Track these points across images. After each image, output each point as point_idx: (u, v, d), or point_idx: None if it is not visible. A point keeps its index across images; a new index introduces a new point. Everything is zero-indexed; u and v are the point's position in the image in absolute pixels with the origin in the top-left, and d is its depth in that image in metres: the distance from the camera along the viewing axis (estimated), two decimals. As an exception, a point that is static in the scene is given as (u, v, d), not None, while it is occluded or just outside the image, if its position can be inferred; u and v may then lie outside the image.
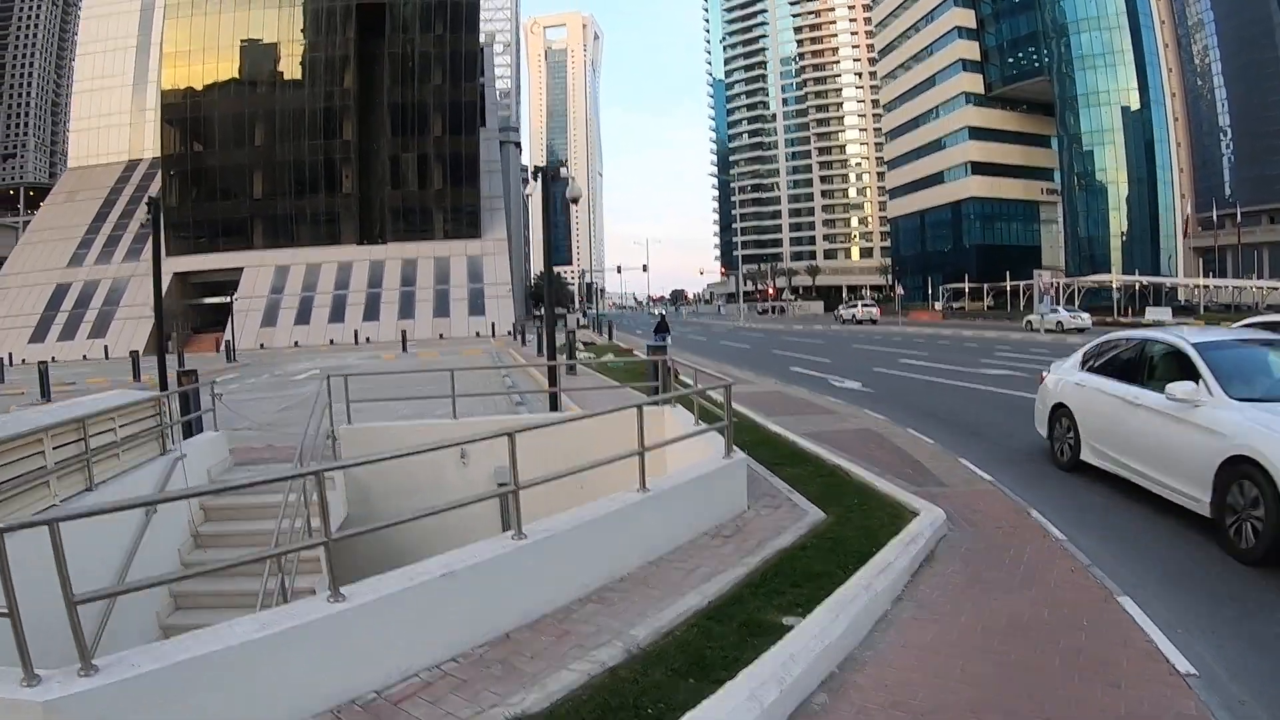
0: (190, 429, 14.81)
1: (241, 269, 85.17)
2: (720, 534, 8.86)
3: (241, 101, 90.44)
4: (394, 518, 7.02)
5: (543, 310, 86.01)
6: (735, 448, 10.09)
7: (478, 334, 74.53)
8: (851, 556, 7.83)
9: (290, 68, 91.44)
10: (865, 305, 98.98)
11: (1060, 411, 12.64)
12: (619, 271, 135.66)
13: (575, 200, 23.35)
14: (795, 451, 13.47)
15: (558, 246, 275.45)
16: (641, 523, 8.06)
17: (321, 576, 11.45)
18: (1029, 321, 67.64)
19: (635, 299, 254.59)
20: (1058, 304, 62.67)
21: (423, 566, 6.29)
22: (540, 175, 19.33)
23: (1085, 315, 65.13)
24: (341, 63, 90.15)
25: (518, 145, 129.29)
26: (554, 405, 18.03)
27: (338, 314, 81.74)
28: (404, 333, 62.47)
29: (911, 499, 9.96)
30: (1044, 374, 13.71)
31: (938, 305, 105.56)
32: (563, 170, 24.64)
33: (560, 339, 35.85)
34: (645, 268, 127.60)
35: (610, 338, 55.90)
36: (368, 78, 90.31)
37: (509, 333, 69.27)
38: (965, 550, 8.56)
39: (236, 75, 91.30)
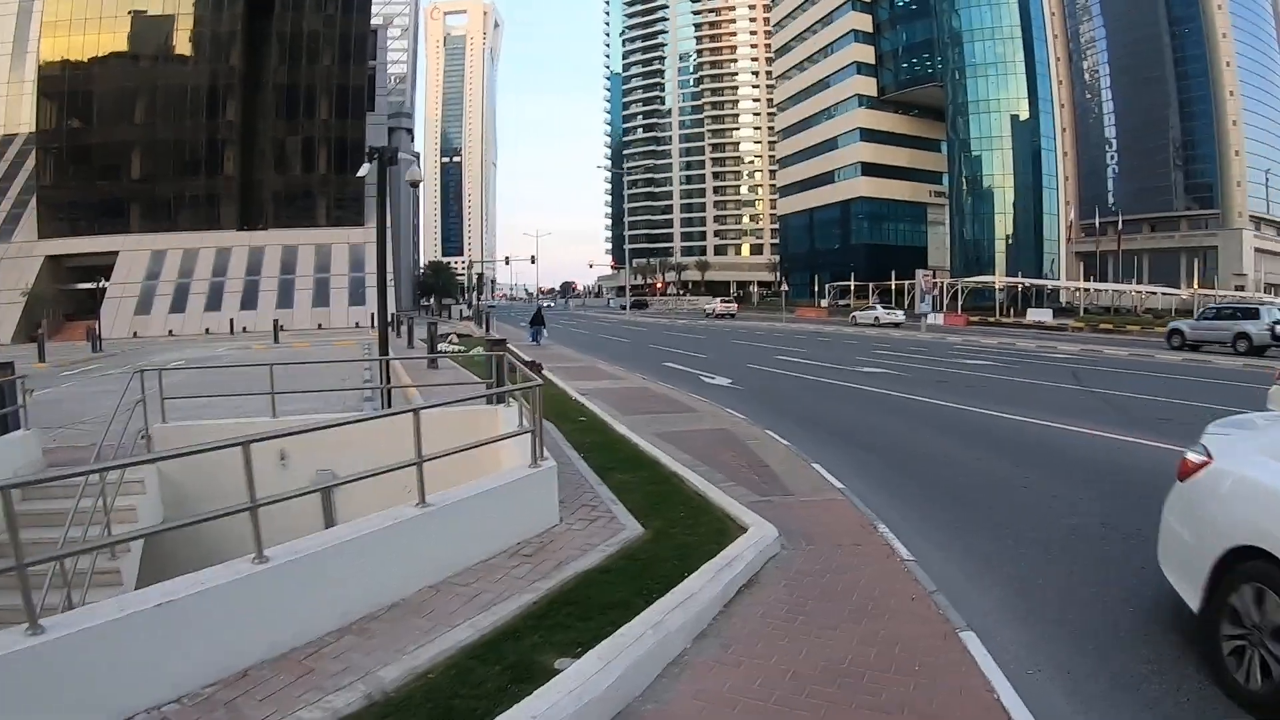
0: (6, 426, 13.86)
1: (117, 253, 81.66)
2: (520, 552, 8.01)
3: (123, 77, 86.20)
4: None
5: (431, 300, 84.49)
6: (548, 454, 9.26)
7: (357, 324, 72.56)
8: (658, 582, 7.03)
9: (176, 43, 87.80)
10: (724, 301, 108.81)
11: (1253, 566, 5.34)
12: (506, 262, 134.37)
13: (415, 184, 22.44)
14: (635, 455, 12.76)
15: (449, 236, 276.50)
16: (420, 541, 7.20)
17: (120, 589, 10.65)
18: (853, 317, 75.48)
19: (526, 291, 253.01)
20: (926, 303, 64.88)
21: (139, 595, 5.55)
22: (378, 157, 18.41)
23: (900, 313, 75.21)
24: (228, 40, 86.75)
25: (410, 132, 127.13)
26: (386, 402, 17.22)
27: (214, 302, 78.59)
28: (276, 323, 59.96)
29: (744, 512, 9.16)
30: (1190, 458, 6.46)
31: (824, 302, 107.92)
32: (402, 154, 23.71)
33: (424, 332, 35.10)
34: (533, 259, 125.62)
35: (488, 330, 55.12)
36: (255, 57, 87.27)
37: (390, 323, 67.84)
38: (795, 573, 7.69)
39: (119, 49, 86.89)
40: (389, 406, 16.50)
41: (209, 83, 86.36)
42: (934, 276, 74.81)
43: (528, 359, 29.30)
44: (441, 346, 34.51)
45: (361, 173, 20.67)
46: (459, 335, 44.44)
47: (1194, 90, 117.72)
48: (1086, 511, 9.80)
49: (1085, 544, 8.54)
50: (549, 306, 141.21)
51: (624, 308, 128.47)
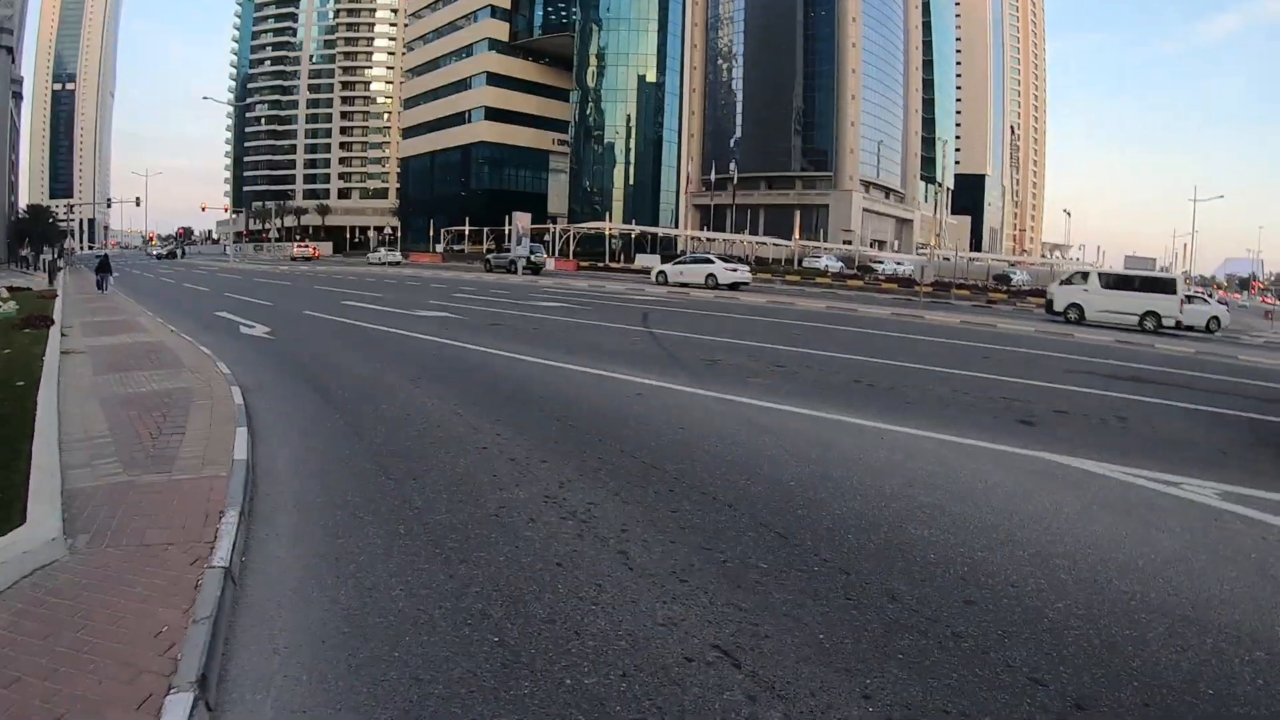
0: None
1: None
2: None
3: None
4: None
5: (28, 249, 75.55)
6: None
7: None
8: None
9: None
10: (299, 245, 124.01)
11: None
12: (109, 205, 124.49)
13: None
14: (16, 434, 9.54)
15: (57, 176, 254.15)
16: None
17: None
18: (368, 258, 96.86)
19: (143, 238, 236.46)
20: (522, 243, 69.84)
21: None
22: None
23: (397, 253, 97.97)
24: None
25: (10, 51, 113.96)
26: None
27: None
28: None
29: (43, 503, 6.75)
30: None
31: (439, 247, 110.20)
32: None
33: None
34: (139, 202, 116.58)
35: (51, 282, 50.08)
36: None
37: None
38: (47, 593, 5.30)
39: None
40: None
41: None
42: (525, 222, 75.01)
43: (51, 316, 25.25)
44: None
45: None
46: (10, 289, 39.37)
47: (820, 65, 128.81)
48: (536, 480, 7.99)
49: (500, 531, 6.64)
50: (160, 255, 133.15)
51: (158, 256, 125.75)
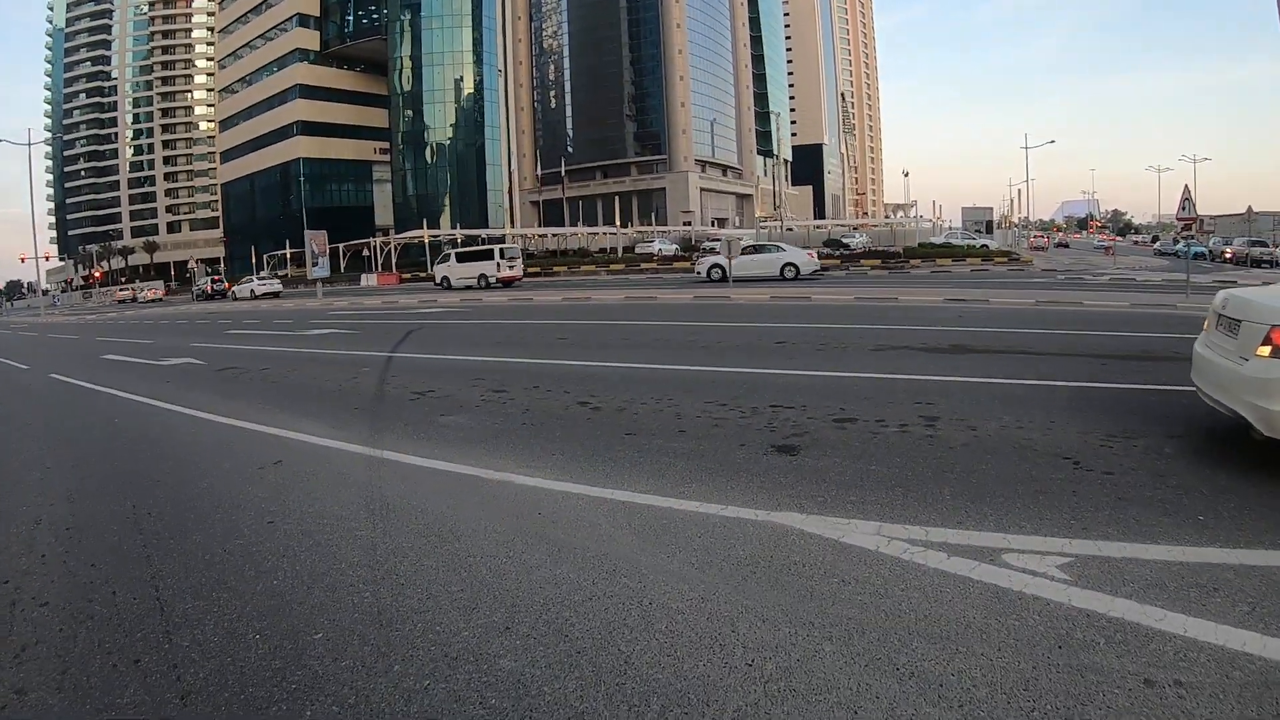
0: None
1: None
2: None
3: None
4: None
5: None
6: None
7: None
8: None
9: None
10: (121, 290, 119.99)
11: None
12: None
13: None
14: None
15: None
16: None
17: None
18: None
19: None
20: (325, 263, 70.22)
21: None
22: None
23: (160, 286, 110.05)
24: None
25: None
26: None
27: None
28: None
29: None
30: None
31: (263, 274, 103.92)
32: None
33: None
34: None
35: None
36: None
37: None
38: None
39: None
40: None
41: None
42: (323, 238, 72.21)
43: None
44: None
45: None
46: None
47: (646, 49, 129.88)
48: None
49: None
50: None
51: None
